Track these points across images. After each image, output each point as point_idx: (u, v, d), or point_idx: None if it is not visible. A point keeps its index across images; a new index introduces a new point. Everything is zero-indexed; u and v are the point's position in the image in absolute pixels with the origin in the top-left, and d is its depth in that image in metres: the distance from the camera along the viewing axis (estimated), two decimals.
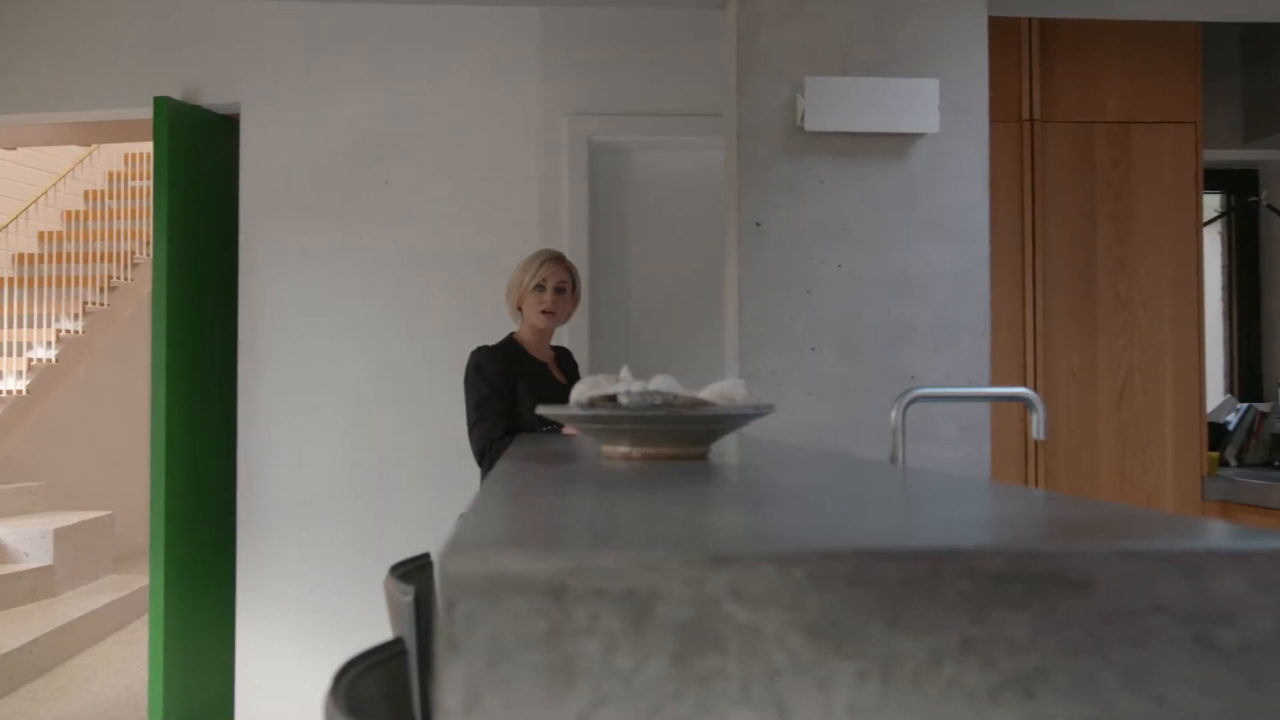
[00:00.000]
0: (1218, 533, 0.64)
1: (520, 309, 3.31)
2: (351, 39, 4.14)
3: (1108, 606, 0.60)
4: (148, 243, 8.54)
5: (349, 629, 3.94)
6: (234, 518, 4.11)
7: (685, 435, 1.47)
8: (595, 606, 0.58)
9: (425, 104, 4.11)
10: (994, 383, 3.67)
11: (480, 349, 3.28)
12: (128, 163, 9.96)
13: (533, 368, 3.26)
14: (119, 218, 9.28)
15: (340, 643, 4.08)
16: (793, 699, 0.59)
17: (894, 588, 0.59)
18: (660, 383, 1.47)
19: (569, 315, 3.36)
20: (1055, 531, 0.69)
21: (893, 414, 2.10)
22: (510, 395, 3.14)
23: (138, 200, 9.33)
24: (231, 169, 4.19)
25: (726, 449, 1.80)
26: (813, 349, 2.86)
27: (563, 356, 3.46)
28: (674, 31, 4.08)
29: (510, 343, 3.32)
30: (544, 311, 3.24)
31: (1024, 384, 3.93)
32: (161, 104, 4.00)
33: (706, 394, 1.50)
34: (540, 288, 3.26)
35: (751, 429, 2.53)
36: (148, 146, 7.07)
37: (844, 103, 2.81)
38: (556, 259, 3.31)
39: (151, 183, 4.07)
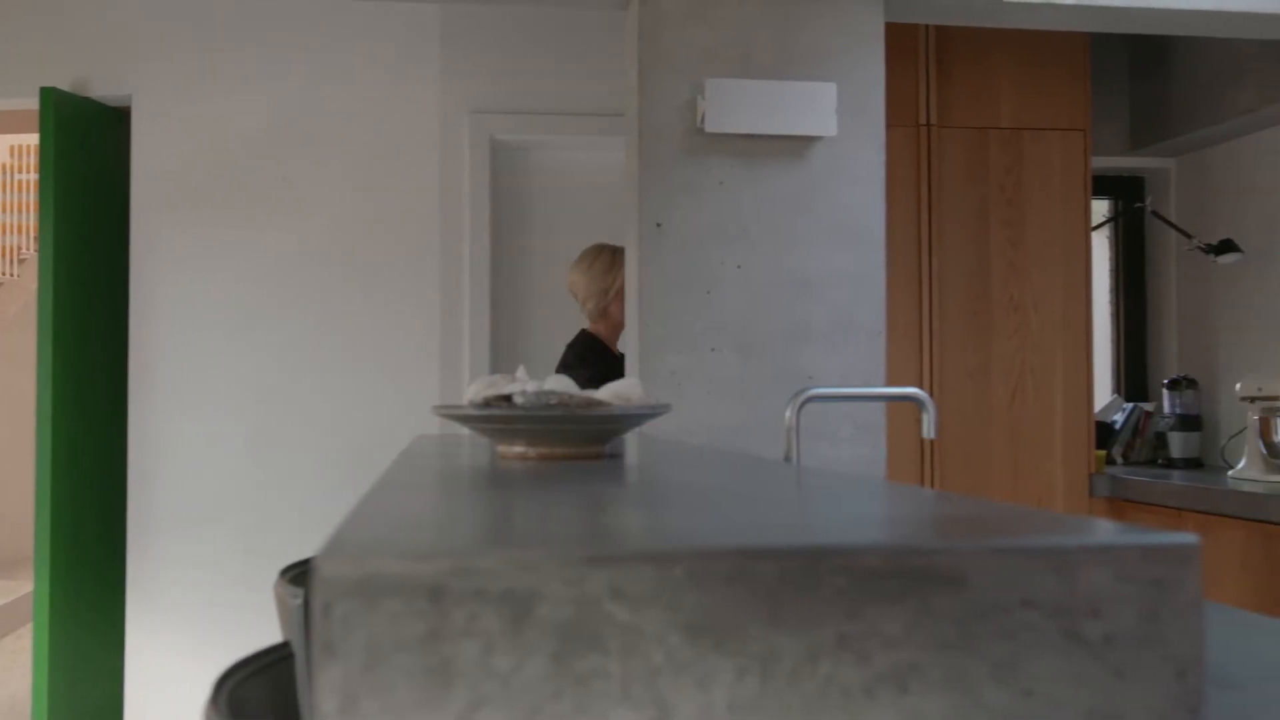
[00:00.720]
0: (1084, 529, 0.66)
1: (606, 310, 3.49)
2: (248, 31, 4.06)
3: (979, 602, 0.61)
4: (35, 238, 8.28)
5: (246, 633, 3.87)
6: (124, 521, 4.01)
7: (580, 435, 1.47)
8: (474, 608, 0.58)
9: (323, 99, 4.05)
10: (891, 383, 3.74)
11: (578, 343, 3.46)
12: (13, 155, 9.64)
13: (618, 364, 3.44)
14: (4, 212, 8.99)
15: (236, 647, 3.99)
16: (672, 697, 0.59)
17: (772, 586, 0.60)
18: (556, 382, 1.47)
19: None
20: (931, 529, 0.70)
21: (787, 413, 2.12)
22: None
23: (24, 194, 9.04)
24: (122, 163, 4.09)
25: (626, 448, 1.80)
26: (712, 349, 2.88)
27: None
28: (576, 30, 4.08)
29: (594, 338, 3.50)
30: None
31: (921, 384, 4.00)
32: (48, 95, 3.88)
33: (602, 394, 1.50)
34: None
35: (651, 428, 2.54)
36: (35, 138, 6.86)
37: (743, 105, 2.84)
38: None
39: (38, 176, 3.95)
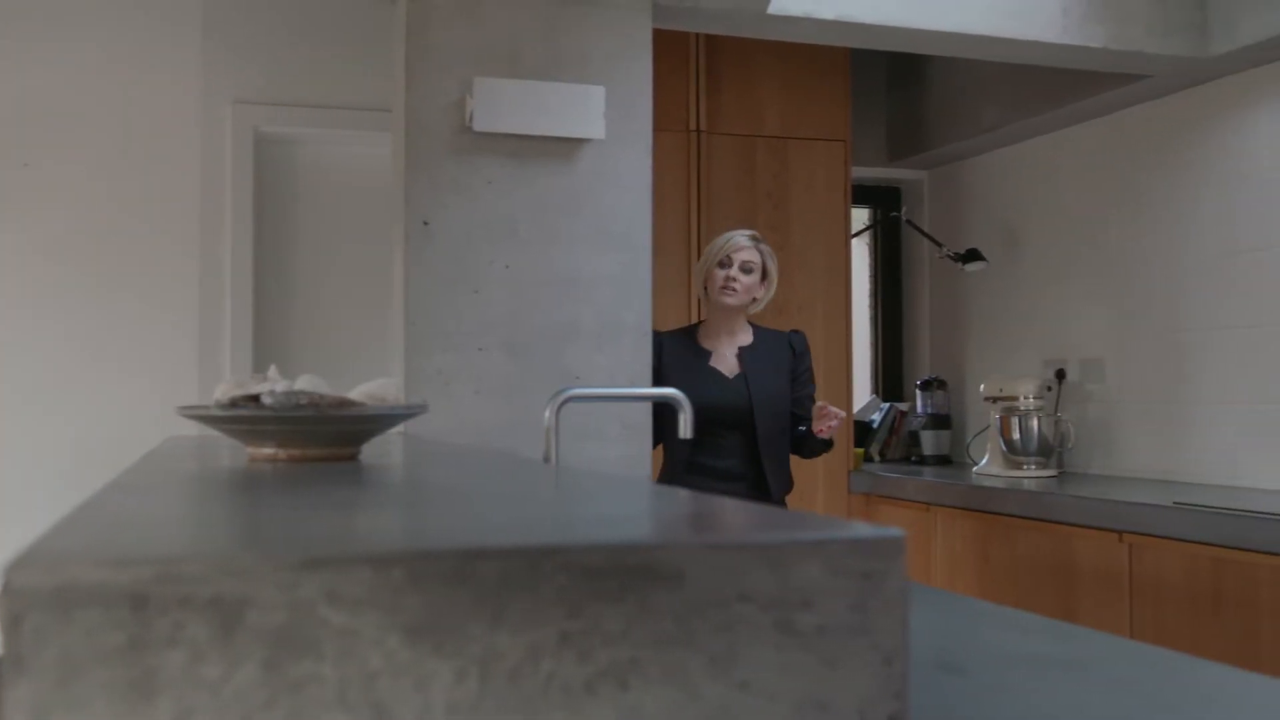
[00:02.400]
0: (797, 524, 0.69)
1: (706, 289, 3.15)
2: None
3: (697, 597, 0.63)
4: None
5: None
6: None
7: (332, 436, 1.44)
8: (180, 616, 0.56)
9: (72, 83, 3.82)
10: None
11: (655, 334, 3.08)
12: None
13: (688, 355, 3.11)
14: None
15: None
16: (390, 701, 0.58)
17: (494, 586, 0.60)
18: (306, 382, 1.43)
19: (755, 300, 3.15)
20: (652, 526, 0.72)
21: (546, 414, 2.13)
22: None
23: None
24: None
25: (386, 449, 1.77)
26: (480, 349, 2.86)
27: (769, 342, 3.20)
28: (345, 22, 3.99)
29: (688, 328, 3.24)
30: (722, 287, 3.07)
31: None
32: None
33: (356, 394, 1.48)
34: (723, 264, 3.09)
35: (418, 429, 2.50)
36: None
37: (512, 105, 2.83)
38: (746, 236, 3.14)
39: None
